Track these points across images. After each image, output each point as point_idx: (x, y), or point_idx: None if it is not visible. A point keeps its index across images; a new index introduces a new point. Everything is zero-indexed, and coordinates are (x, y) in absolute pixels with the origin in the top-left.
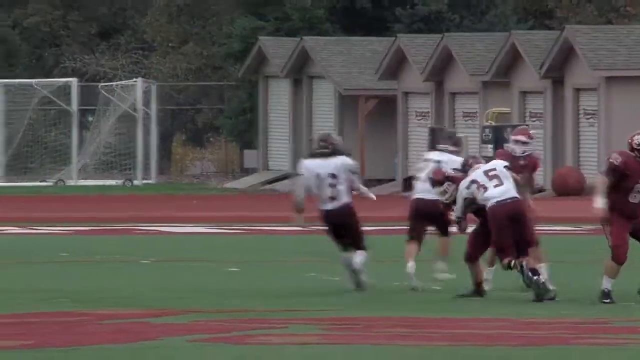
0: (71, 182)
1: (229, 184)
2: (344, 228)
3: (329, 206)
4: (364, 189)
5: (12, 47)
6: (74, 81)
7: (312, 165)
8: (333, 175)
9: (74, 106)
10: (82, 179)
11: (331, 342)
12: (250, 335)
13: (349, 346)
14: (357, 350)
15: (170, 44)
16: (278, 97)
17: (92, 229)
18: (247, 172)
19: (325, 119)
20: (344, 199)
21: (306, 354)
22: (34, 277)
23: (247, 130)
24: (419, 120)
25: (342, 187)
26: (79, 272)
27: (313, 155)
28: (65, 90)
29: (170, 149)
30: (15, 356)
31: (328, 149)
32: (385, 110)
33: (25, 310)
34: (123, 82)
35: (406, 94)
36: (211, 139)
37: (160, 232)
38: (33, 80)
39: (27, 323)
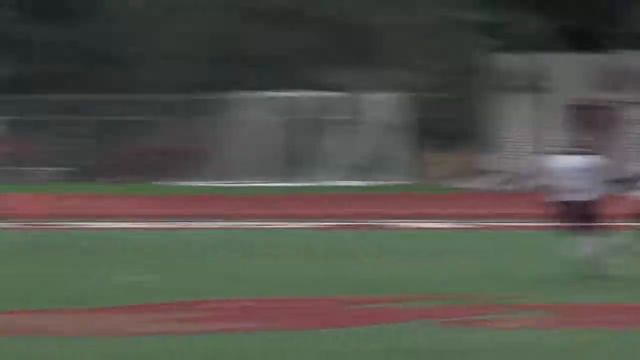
0: (329, 183)
1: (468, 185)
2: (583, 219)
3: (571, 198)
4: (604, 187)
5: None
6: (330, 94)
7: (561, 161)
8: (580, 171)
9: (332, 116)
10: (339, 179)
11: (558, 327)
12: (488, 320)
13: (574, 330)
14: (583, 334)
15: (413, 60)
16: (512, 108)
17: (348, 224)
18: (484, 173)
19: (553, 127)
20: (587, 193)
21: (536, 338)
22: (289, 267)
23: (483, 137)
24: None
25: (586, 183)
26: (335, 263)
27: (564, 152)
28: (324, 102)
29: (415, 153)
30: (266, 337)
31: (579, 148)
32: (607, 119)
33: (292, 295)
34: (374, 95)
35: (626, 104)
36: (452, 145)
37: (406, 228)
38: (297, 94)
39: (293, 307)
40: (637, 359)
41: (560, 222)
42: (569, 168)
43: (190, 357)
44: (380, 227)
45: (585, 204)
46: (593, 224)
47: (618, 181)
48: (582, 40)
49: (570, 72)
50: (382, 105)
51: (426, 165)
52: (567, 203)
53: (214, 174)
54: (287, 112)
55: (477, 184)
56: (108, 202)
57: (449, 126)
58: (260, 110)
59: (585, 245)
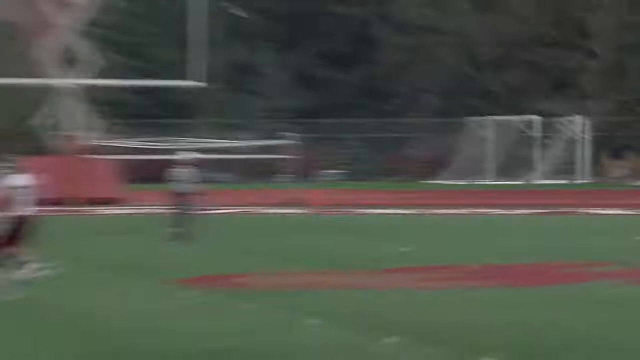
0: (535, 181)
1: (637, 183)
2: None
3: None
4: None
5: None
6: (536, 117)
7: None
8: None
9: (537, 133)
10: (542, 179)
11: None
12: None
13: None
14: None
15: (597, 93)
16: None
17: (551, 211)
18: None
19: None
20: None
21: None
22: (512, 242)
23: None
24: None
25: None
26: (544, 239)
27: None
28: (531, 123)
29: (599, 160)
30: (495, 291)
31: None
32: None
33: (514, 263)
34: (569, 118)
35: None
36: (625, 153)
37: (591, 214)
38: (510, 117)
39: (506, 272)
40: None
41: None
42: None
43: (453, 306)
44: (574, 213)
45: None
46: None
47: None
48: None
49: None
50: (573, 125)
51: (605, 168)
52: None
53: (456, 175)
54: (506, 130)
55: None
56: (377, 195)
57: (622, 140)
58: (488, 129)
59: None
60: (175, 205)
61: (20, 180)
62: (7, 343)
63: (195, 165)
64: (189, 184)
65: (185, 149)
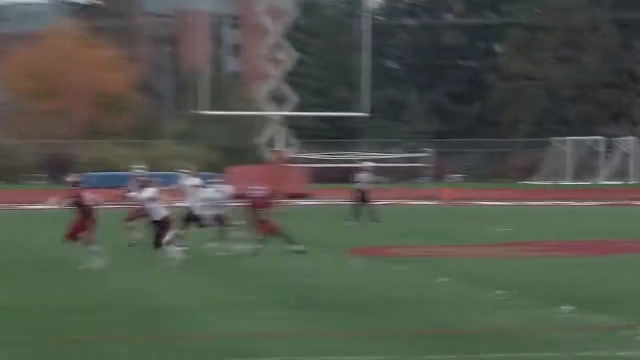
0: (600, 182)
1: None
2: None
3: None
4: None
5: None
6: (601, 138)
7: None
8: None
9: (601, 149)
10: (605, 180)
11: None
12: None
13: None
14: None
15: None
16: None
17: (609, 204)
18: None
19: None
20: None
21: None
22: (578, 225)
23: None
24: None
25: None
26: (601, 224)
27: None
28: (597, 142)
29: None
30: (572, 259)
31: None
32: None
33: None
34: (624, 138)
35: None
36: None
37: None
38: (582, 137)
39: (584, 245)
40: None
41: None
42: None
43: (541, 269)
44: (628, 205)
45: None
46: None
47: None
48: None
49: None
50: (627, 143)
51: None
52: None
53: (544, 178)
54: (579, 147)
55: None
56: (489, 192)
57: None
58: (566, 146)
59: None
60: (356, 198)
61: (194, 181)
62: (226, 291)
63: (369, 171)
64: (366, 183)
65: (362, 159)
